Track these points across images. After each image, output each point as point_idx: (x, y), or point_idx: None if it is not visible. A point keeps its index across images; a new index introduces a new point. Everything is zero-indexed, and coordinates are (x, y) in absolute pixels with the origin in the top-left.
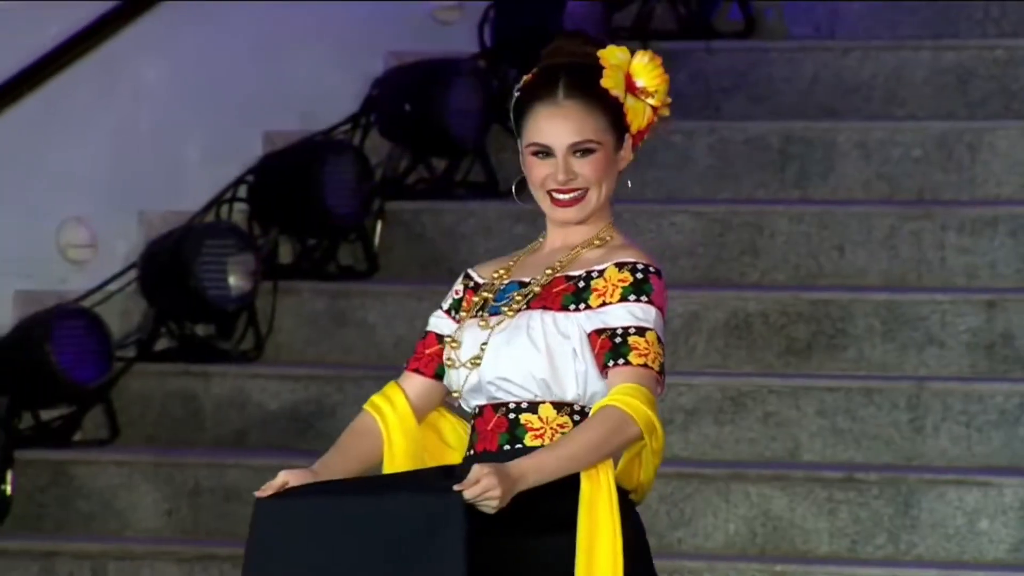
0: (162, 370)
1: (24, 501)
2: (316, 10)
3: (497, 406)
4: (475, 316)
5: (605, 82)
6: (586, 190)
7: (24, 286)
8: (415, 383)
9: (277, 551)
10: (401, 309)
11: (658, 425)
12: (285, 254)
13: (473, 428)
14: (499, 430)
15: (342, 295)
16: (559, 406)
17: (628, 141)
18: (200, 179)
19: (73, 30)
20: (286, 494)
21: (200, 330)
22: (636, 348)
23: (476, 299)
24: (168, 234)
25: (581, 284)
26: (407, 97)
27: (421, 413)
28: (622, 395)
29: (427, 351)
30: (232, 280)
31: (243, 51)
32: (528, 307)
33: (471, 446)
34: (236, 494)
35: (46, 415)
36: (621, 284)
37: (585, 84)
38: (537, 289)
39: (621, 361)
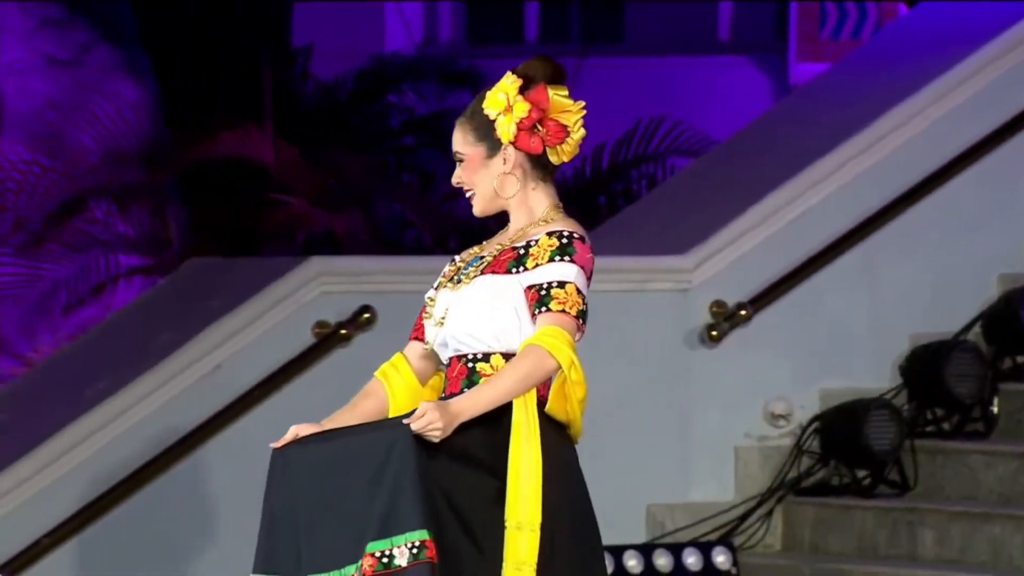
0: None
1: (1005, 418)
2: None
3: (460, 357)
4: (448, 284)
5: (486, 106)
6: (471, 190)
7: (1007, 270)
8: (415, 349)
9: (286, 490)
10: None
11: (575, 360)
12: None
13: (444, 376)
14: (461, 377)
15: None
16: (507, 356)
17: (508, 149)
18: None
19: None
20: (295, 444)
21: None
22: (556, 298)
23: (453, 270)
24: None
25: (522, 252)
26: None
27: (424, 373)
28: (542, 335)
29: (422, 321)
30: None
31: None
32: (482, 274)
33: (443, 390)
34: None
35: (1021, 360)
36: (550, 248)
37: (476, 104)
38: (489, 259)
39: (544, 309)
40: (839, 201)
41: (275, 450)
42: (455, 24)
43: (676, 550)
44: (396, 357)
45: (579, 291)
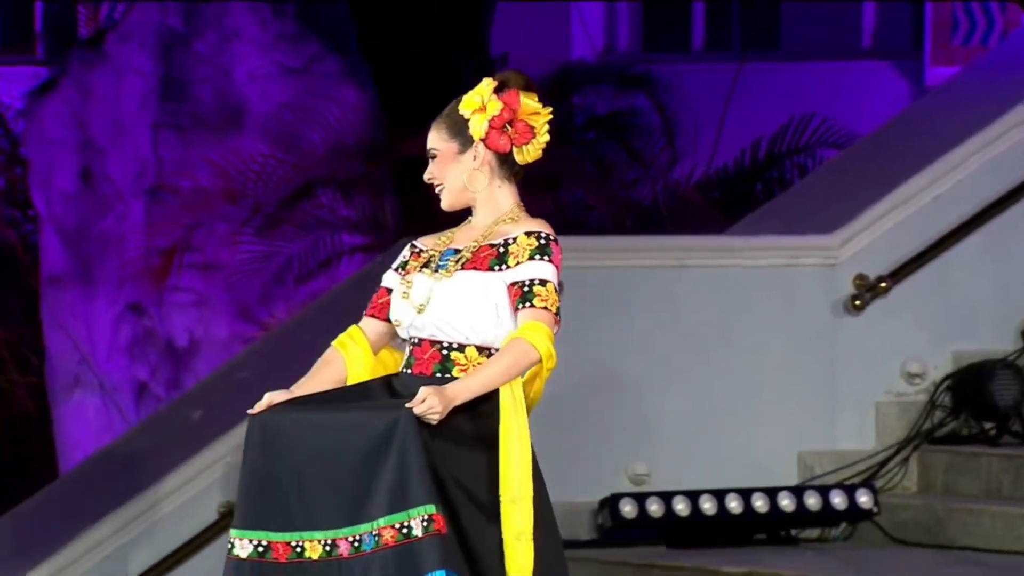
0: None
1: None
2: None
3: (434, 342)
4: (422, 270)
5: (462, 107)
6: (440, 184)
7: None
8: (372, 325)
9: (268, 454)
10: None
11: (553, 352)
12: None
13: (411, 353)
14: (434, 361)
15: None
16: (480, 349)
17: (478, 146)
18: None
19: None
20: (273, 410)
21: None
22: (539, 295)
23: (424, 257)
24: None
25: (501, 249)
26: None
27: (376, 347)
28: (527, 329)
29: (380, 301)
30: None
31: None
32: (463, 268)
33: (408, 366)
34: None
35: None
36: (529, 248)
37: (452, 106)
38: (468, 255)
39: (528, 304)
40: (968, 186)
41: (252, 416)
42: (631, 34)
43: (824, 491)
44: (353, 329)
45: (556, 289)
